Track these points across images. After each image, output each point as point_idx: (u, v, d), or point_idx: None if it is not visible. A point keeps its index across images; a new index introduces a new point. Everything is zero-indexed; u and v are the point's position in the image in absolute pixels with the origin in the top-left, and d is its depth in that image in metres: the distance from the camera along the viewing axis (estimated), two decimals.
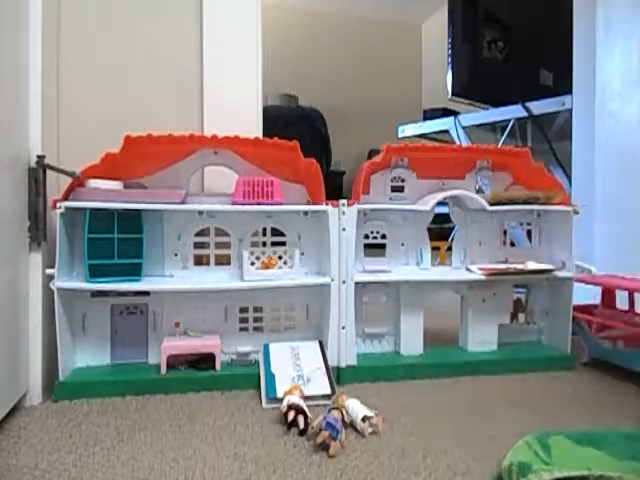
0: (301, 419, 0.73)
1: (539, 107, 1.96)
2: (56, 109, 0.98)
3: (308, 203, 1.02)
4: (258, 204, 0.93)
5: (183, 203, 0.92)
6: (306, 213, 1.02)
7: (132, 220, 0.90)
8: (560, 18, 1.75)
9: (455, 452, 0.68)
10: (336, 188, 3.28)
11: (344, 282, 0.96)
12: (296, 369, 0.90)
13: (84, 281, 0.87)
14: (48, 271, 0.83)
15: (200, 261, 1.00)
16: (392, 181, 1.07)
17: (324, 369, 0.90)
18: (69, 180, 0.87)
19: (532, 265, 1.06)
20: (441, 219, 1.19)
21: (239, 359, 0.97)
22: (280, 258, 0.98)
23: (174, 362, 0.91)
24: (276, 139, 0.95)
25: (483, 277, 1.01)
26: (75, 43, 1.04)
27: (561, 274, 1.05)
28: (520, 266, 1.05)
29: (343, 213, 0.95)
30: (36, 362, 0.83)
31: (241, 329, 1.00)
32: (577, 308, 1.08)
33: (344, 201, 0.96)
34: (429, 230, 1.09)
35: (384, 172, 1.07)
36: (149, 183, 0.96)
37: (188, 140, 0.92)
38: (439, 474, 0.62)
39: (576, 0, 1.58)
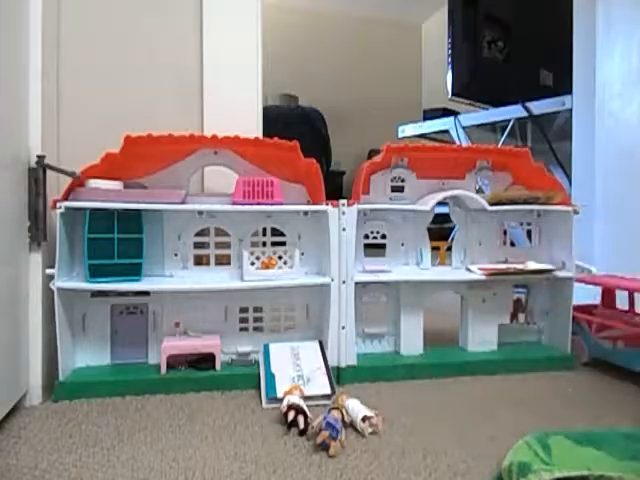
0: (301, 419, 0.72)
1: (539, 107, 1.96)
2: (56, 109, 0.98)
3: (308, 203, 1.02)
4: (258, 204, 0.93)
5: (183, 203, 0.92)
6: (306, 213, 1.02)
7: (132, 220, 0.90)
8: (560, 18, 1.75)
9: (455, 452, 0.68)
10: (336, 188, 3.28)
11: (344, 282, 0.96)
12: (296, 369, 0.90)
13: (84, 281, 0.87)
14: (48, 271, 0.83)
15: (200, 261, 1.00)
16: (392, 181, 1.07)
17: (324, 369, 0.90)
18: (69, 180, 0.87)
19: (532, 265, 1.06)
20: (441, 219, 1.19)
21: (239, 359, 0.97)
22: (280, 258, 0.98)
23: (174, 362, 0.91)
24: (276, 139, 0.95)
25: (483, 277, 1.01)
26: (75, 43, 1.04)
27: (561, 274, 1.05)
28: (520, 266, 1.05)
29: (343, 213, 0.95)
30: (36, 362, 0.83)
31: (241, 329, 1.00)
32: (577, 308, 1.08)
33: (344, 201, 0.96)
34: (429, 230, 1.09)
35: (384, 172, 1.07)
36: (149, 183, 0.96)
37: (188, 140, 0.92)
38: (439, 474, 0.62)
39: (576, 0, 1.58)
